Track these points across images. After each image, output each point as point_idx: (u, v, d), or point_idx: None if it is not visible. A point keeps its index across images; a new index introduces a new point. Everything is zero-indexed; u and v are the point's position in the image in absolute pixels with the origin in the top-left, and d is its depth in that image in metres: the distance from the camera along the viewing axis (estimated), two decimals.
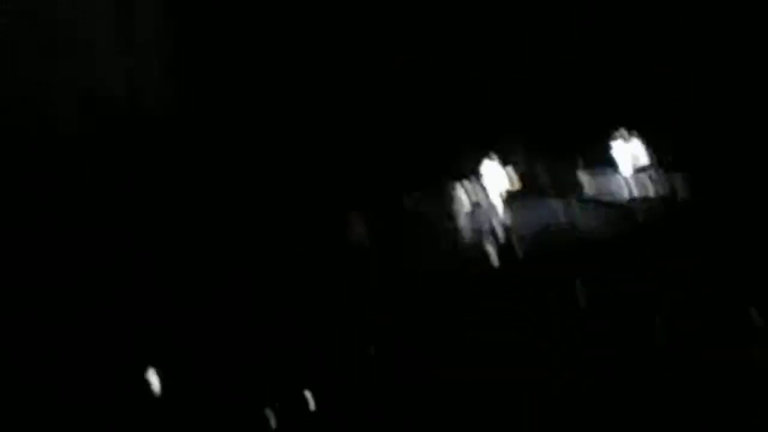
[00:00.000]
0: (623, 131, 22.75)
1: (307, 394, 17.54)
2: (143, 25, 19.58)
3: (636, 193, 22.34)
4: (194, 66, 19.94)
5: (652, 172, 22.70)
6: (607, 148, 22.83)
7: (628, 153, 22.78)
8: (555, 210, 21.46)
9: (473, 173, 21.62)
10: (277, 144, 20.56)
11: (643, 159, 22.86)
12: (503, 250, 20.24)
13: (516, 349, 17.89)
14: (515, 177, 21.81)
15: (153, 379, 17.79)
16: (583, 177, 22.99)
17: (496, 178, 21.52)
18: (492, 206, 21.56)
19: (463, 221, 21.55)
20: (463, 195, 21.69)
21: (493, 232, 21.08)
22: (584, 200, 21.95)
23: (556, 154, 23.17)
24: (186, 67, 19.91)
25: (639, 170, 22.78)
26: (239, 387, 17.86)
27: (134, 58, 19.61)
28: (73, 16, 19.10)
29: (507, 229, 21.08)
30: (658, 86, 23.20)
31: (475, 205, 21.62)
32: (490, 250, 20.30)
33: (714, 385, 16.81)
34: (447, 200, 21.73)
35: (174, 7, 20.11)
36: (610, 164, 22.87)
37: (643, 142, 22.77)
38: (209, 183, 19.79)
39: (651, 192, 22.48)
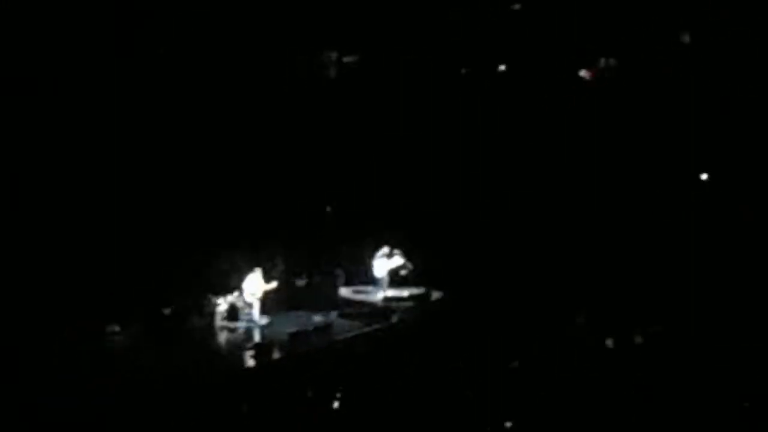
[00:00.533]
0: (385, 249, 23.53)
1: None
2: None
3: (391, 300, 23.01)
4: None
5: (410, 285, 23.50)
6: (369, 266, 23.60)
7: (388, 269, 23.53)
8: (312, 317, 21.86)
9: (237, 288, 22.02)
10: None
11: (403, 273, 23.64)
12: (260, 350, 20.41)
13: None
14: (277, 291, 22.23)
15: None
16: (344, 291, 23.63)
17: (257, 292, 21.88)
18: (251, 316, 21.88)
19: (222, 329, 21.86)
20: (223, 306, 22.02)
21: (250, 337, 21.34)
22: (343, 312, 22.45)
23: (318, 271, 23.87)
24: None
25: (397, 282, 23.56)
26: None
27: None
28: None
29: (264, 334, 21.39)
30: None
31: (234, 315, 21.94)
32: (247, 352, 20.46)
33: None
34: (208, 311, 22.07)
35: None
36: (372, 281, 23.60)
37: (403, 259, 23.60)
38: None
39: (405, 297, 23.18)
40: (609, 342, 20.48)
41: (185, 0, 23.05)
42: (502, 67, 26.20)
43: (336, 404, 18.66)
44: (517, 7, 26.07)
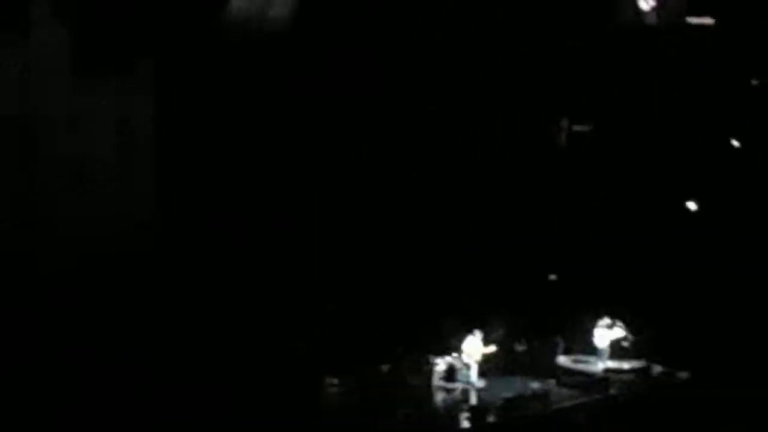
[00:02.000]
0: (607, 320, 23.18)
1: None
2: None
3: (611, 371, 22.57)
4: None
5: (630, 357, 23.02)
6: (589, 335, 23.26)
7: (609, 340, 23.13)
8: (529, 383, 21.64)
9: (454, 348, 22.01)
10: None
11: (624, 345, 23.20)
12: (476, 413, 20.34)
13: None
14: (495, 355, 22.14)
15: None
16: (563, 360, 23.30)
17: (475, 354, 21.83)
18: (468, 378, 21.81)
19: (438, 389, 21.81)
20: (441, 366, 22.00)
21: (466, 399, 21.26)
22: (561, 380, 22.17)
23: (538, 337, 23.64)
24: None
25: (618, 355, 23.11)
26: None
27: None
28: None
29: (480, 397, 21.27)
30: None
31: (451, 376, 21.90)
32: (463, 414, 20.41)
33: None
34: (426, 370, 22.07)
35: None
36: (591, 350, 23.23)
37: (625, 330, 23.17)
38: None
39: (625, 369, 22.70)
40: None
41: None
42: None
43: None
44: None
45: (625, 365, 22.92)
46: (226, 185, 20.42)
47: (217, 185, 20.37)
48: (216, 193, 20.22)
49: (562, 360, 23.37)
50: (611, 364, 22.95)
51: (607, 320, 23.17)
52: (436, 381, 22.00)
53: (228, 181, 20.44)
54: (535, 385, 21.78)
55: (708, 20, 24.37)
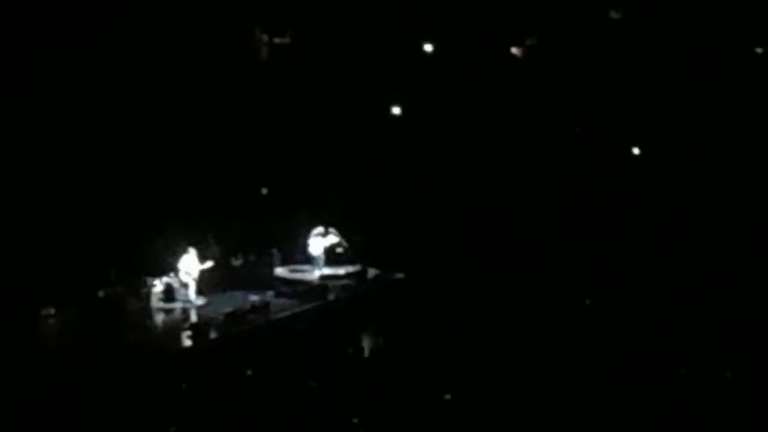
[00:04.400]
0: (320, 228, 23.60)
1: None
2: None
3: (328, 278, 23.11)
4: None
5: (346, 263, 23.61)
6: (304, 244, 23.68)
7: (324, 247, 23.62)
8: (249, 297, 21.87)
9: (171, 268, 22.00)
10: None
11: (339, 251, 23.73)
12: (197, 330, 20.41)
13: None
14: (213, 271, 22.24)
15: None
16: (280, 270, 23.68)
17: (192, 272, 21.88)
18: (187, 296, 21.88)
19: (158, 311, 21.84)
20: (159, 287, 21.99)
21: (186, 317, 21.33)
22: (280, 291, 22.51)
23: (253, 251, 23.89)
24: None
25: (334, 261, 23.65)
26: None
27: None
28: None
29: (200, 314, 21.37)
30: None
31: (170, 296, 21.93)
32: (184, 333, 20.45)
33: None
34: (143, 292, 22.04)
35: None
36: (307, 260, 23.69)
37: (338, 237, 23.69)
38: None
39: (341, 275, 23.29)
40: None
41: None
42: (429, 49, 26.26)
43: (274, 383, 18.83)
44: None
45: (341, 271, 23.45)
46: None
47: None
48: None
49: (280, 271, 23.68)
50: (327, 271, 23.45)
51: (320, 228, 23.56)
52: (155, 302, 22.01)
53: None
54: (255, 297, 21.97)
55: None
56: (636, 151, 25.24)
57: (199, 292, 21.96)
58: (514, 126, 25.52)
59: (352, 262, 23.54)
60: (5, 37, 21.26)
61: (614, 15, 25.47)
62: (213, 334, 20.54)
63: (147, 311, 21.82)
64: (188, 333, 20.43)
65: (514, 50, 26.34)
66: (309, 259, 23.58)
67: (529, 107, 25.65)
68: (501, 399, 17.59)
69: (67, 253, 21.46)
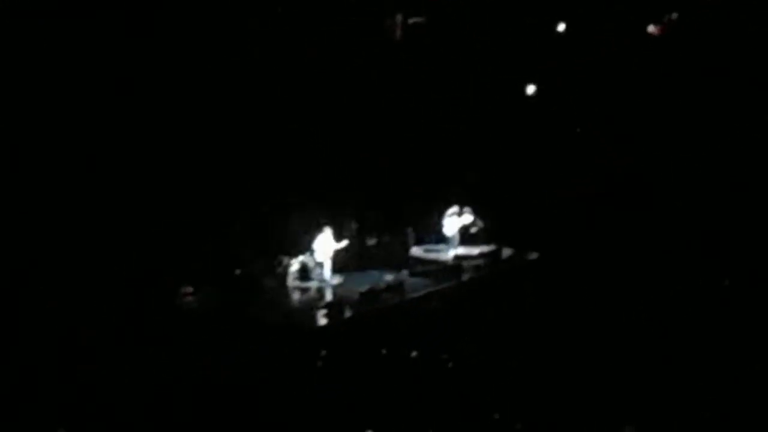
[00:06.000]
0: (455, 208, 23.56)
1: None
2: None
3: (462, 258, 23.04)
4: None
5: (480, 243, 23.52)
6: (439, 224, 23.65)
7: (458, 227, 23.57)
8: (383, 276, 21.94)
9: (307, 248, 22.18)
10: None
11: (473, 231, 23.64)
12: (332, 309, 20.57)
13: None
14: (348, 250, 22.36)
15: None
16: (414, 250, 23.69)
17: (327, 251, 22.02)
18: (322, 275, 22.03)
19: (294, 289, 22.01)
20: (295, 266, 22.15)
21: (322, 296, 21.48)
22: (414, 270, 22.52)
23: (388, 230, 23.95)
24: None
25: (468, 241, 23.57)
26: None
27: None
28: None
29: (335, 293, 21.51)
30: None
31: (306, 275, 22.09)
32: (319, 311, 20.62)
33: None
34: (279, 271, 22.22)
35: None
36: (442, 239, 23.66)
37: (473, 216, 23.62)
38: None
39: (475, 255, 23.19)
40: None
41: None
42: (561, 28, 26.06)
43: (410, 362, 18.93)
44: None
45: (475, 251, 23.35)
46: None
47: None
48: None
49: (414, 250, 23.69)
50: (462, 250, 23.38)
51: (455, 208, 23.50)
52: (291, 281, 22.19)
53: None
54: (389, 277, 22.00)
55: None
56: None
57: (335, 271, 22.10)
58: (650, 106, 25.23)
59: (486, 242, 23.46)
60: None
61: None
62: (348, 313, 20.65)
63: (283, 290, 21.99)
64: (323, 311, 20.59)
65: (650, 28, 26.01)
66: (443, 239, 23.54)
67: (666, 87, 25.32)
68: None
69: (205, 233, 21.84)
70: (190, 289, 21.38)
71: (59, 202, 20.30)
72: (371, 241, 23.52)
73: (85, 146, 20.76)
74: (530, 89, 25.80)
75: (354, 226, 23.18)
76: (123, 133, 21.15)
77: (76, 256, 20.16)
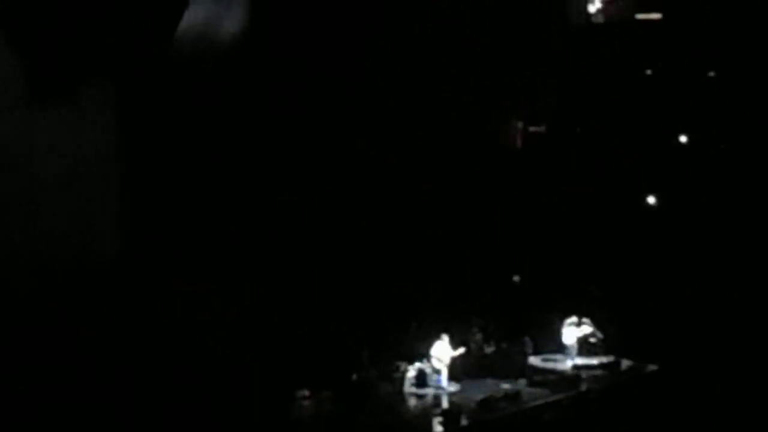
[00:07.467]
0: (574, 318, 23.38)
1: None
2: None
3: (580, 368, 22.77)
4: None
5: (599, 353, 23.25)
6: (557, 333, 23.45)
7: (577, 337, 23.34)
8: (500, 384, 21.79)
9: (424, 354, 22.15)
10: None
11: (592, 341, 23.40)
12: (448, 416, 20.44)
13: None
14: (465, 357, 22.28)
15: None
16: (532, 359, 23.48)
17: (444, 358, 21.96)
18: (439, 382, 21.93)
19: (410, 395, 21.91)
20: (412, 372, 22.11)
21: (438, 403, 21.36)
22: (532, 379, 22.32)
23: (507, 338, 23.79)
24: None
25: (587, 351, 23.31)
26: None
27: None
28: None
29: (452, 400, 21.38)
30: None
31: (422, 381, 22.01)
32: (436, 419, 20.50)
33: None
34: (397, 377, 22.17)
35: None
36: (560, 349, 23.44)
37: (592, 327, 23.38)
38: None
39: (594, 365, 22.89)
40: None
41: None
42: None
43: None
44: None
45: (594, 361, 23.07)
46: (193, 197, 20.70)
47: (185, 197, 20.65)
48: (181, 205, 20.52)
49: (532, 359, 23.50)
50: (580, 360, 23.14)
51: (574, 318, 23.34)
52: (408, 387, 22.12)
53: (194, 192, 20.71)
54: (506, 385, 21.88)
55: (656, 15, 24.62)
56: None
57: (452, 378, 22.01)
58: None
59: (605, 353, 23.21)
60: None
61: None
62: (464, 421, 20.48)
63: (399, 396, 21.92)
64: (440, 419, 20.45)
65: None
66: (562, 348, 23.36)
67: None
68: None
69: (322, 337, 21.93)
70: (306, 393, 21.51)
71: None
72: (489, 349, 23.40)
73: None
74: (650, 200, 25.66)
75: (471, 333, 23.12)
76: None
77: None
